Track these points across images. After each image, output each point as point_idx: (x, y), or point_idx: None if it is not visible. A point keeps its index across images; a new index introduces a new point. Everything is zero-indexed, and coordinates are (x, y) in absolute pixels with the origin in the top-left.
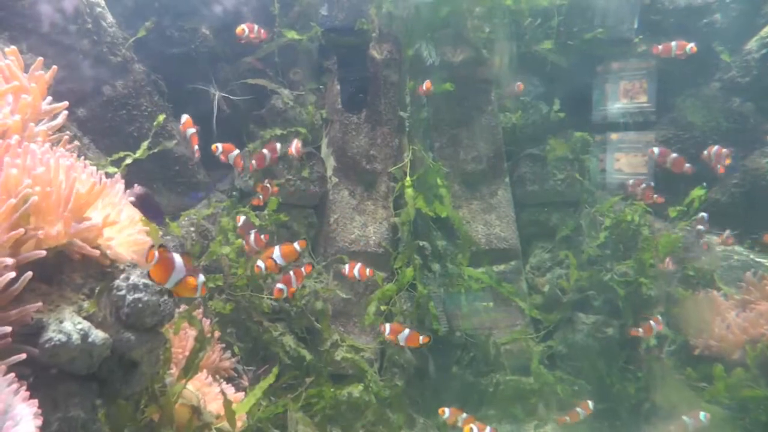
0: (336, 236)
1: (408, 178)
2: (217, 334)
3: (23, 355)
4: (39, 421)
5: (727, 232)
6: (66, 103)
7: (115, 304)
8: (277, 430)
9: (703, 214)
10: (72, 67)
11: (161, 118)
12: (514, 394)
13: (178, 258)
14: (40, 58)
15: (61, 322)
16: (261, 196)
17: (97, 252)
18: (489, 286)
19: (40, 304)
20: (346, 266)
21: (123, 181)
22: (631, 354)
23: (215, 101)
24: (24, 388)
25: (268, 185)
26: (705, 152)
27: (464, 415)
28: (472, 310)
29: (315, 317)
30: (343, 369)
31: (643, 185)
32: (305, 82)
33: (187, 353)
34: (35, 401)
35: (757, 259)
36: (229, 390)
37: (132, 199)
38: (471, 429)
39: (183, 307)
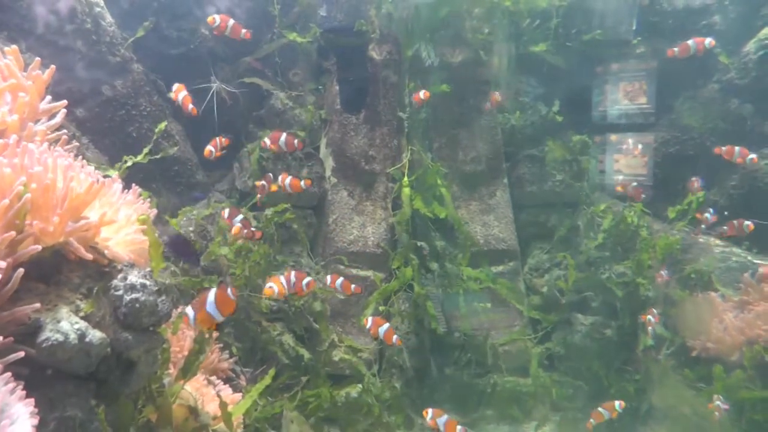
0: (335, 237)
1: (405, 179)
2: (215, 334)
3: (21, 354)
4: (35, 420)
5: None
6: (64, 102)
7: (112, 303)
8: (274, 430)
9: (710, 209)
10: (71, 67)
11: (163, 125)
12: (511, 395)
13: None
14: (38, 59)
15: (58, 321)
16: (266, 185)
17: (90, 256)
18: (487, 286)
19: (37, 304)
20: (329, 277)
21: (120, 180)
22: (629, 355)
23: (214, 93)
24: (21, 387)
25: (265, 183)
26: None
27: (445, 417)
28: (471, 310)
29: (313, 318)
30: (341, 369)
31: (634, 184)
32: (304, 83)
33: (185, 353)
34: (32, 400)
35: (756, 261)
36: (227, 390)
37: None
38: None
39: (181, 308)
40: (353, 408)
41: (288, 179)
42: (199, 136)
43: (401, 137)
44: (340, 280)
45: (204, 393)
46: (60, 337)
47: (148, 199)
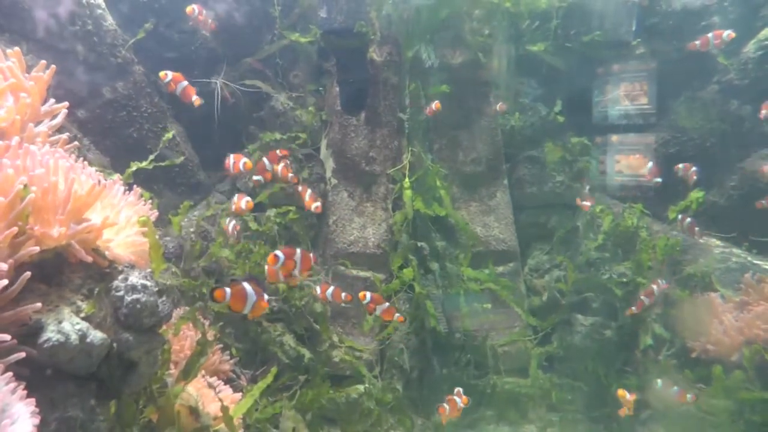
0: (335, 237)
1: (407, 180)
2: (216, 334)
3: (22, 354)
4: (36, 420)
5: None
6: (66, 104)
7: (113, 304)
8: (276, 430)
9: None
10: (72, 69)
11: (170, 134)
12: (511, 396)
13: (248, 286)
14: (43, 61)
15: (59, 322)
16: (262, 179)
17: (90, 259)
18: (488, 287)
19: (39, 304)
20: (318, 287)
21: (122, 182)
22: (629, 356)
23: (218, 93)
24: (22, 387)
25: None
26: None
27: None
28: (471, 311)
29: (314, 318)
30: (341, 370)
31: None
32: (305, 84)
33: (186, 353)
34: (33, 400)
35: (756, 261)
36: (228, 391)
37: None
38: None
39: (182, 309)
40: (354, 408)
41: (281, 166)
42: (200, 136)
43: (401, 138)
44: (331, 289)
45: (205, 393)
46: (61, 338)
47: (150, 201)
